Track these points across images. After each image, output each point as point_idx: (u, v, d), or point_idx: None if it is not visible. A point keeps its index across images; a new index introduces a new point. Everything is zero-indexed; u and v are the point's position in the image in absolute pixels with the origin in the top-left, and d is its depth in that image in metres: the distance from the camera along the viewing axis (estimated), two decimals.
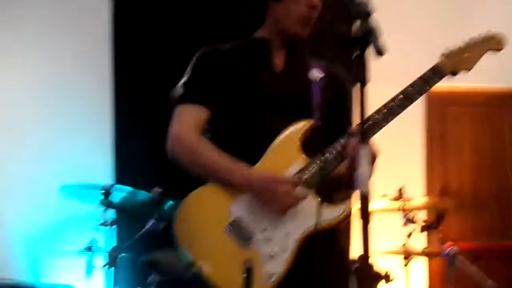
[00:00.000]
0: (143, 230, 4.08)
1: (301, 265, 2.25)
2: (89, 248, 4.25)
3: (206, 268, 2.25)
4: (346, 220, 2.30)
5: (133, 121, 5.04)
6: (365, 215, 1.65)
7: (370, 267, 1.81)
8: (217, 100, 2.42)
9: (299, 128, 2.36)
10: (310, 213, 2.24)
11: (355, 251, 4.27)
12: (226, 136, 2.41)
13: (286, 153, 2.33)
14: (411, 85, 2.31)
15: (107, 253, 4.06)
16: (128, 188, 4.22)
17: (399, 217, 4.37)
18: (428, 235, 4.45)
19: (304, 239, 2.25)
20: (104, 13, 5.14)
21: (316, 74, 2.48)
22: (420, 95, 2.31)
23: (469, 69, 2.36)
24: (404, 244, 4.38)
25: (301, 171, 2.29)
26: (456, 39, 2.42)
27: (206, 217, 2.31)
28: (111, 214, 4.21)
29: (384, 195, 4.41)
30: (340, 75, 2.54)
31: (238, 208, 2.29)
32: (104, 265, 4.07)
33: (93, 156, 5.04)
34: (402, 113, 2.30)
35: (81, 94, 5.12)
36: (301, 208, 2.26)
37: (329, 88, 2.46)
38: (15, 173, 4.97)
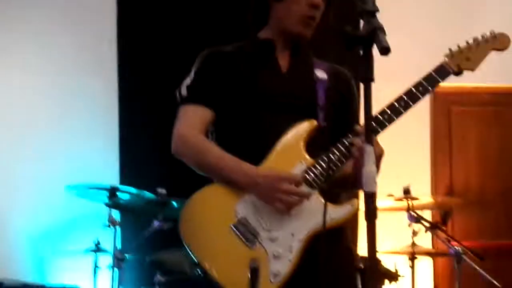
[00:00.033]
0: (149, 230, 4.09)
1: (307, 265, 2.24)
2: (94, 249, 4.27)
3: (212, 268, 2.24)
4: (351, 220, 2.30)
5: (139, 122, 5.05)
6: (371, 215, 1.64)
7: (377, 266, 1.80)
8: (221, 101, 2.41)
9: (303, 128, 2.35)
10: (315, 213, 2.23)
11: (361, 250, 4.27)
12: (231, 137, 2.41)
13: (290, 153, 2.33)
14: (415, 85, 2.30)
15: (113, 253, 4.07)
16: (134, 189, 4.23)
17: (405, 217, 4.36)
18: (434, 234, 4.43)
19: (309, 239, 2.25)
20: (110, 13, 5.15)
21: (320, 74, 2.48)
22: (424, 95, 2.30)
23: (473, 69, 2.36)
24: (410, 244, 4.37)
25: (305, 171, 2.29)
26: (457, 39, 2.42)
27: (211, 217, 2.31)
28: (116, 214, 4.22)
29: (390, 195, 4.40)
30: (345, 75, 2.54)
31: (243, 208, 2.29)
32: (110, 265, 4.08)
33: (99, 157, 5.05)
34: (408, 112, 2.29)
35: (87, 95, 5.13)
36: (306, 208, 2.26)
37: (333, 89, 2.46)
38: (21, 173, 4.98)
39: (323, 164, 2.28)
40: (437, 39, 3.45)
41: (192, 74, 2.48)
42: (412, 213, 4.33)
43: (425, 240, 4.69)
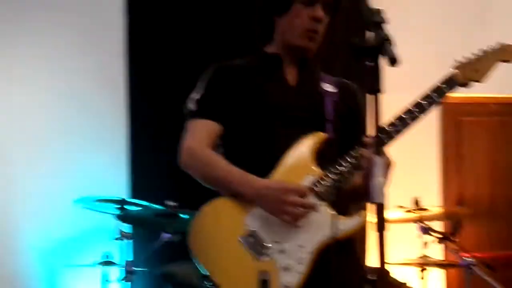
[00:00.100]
0: (158, 242, 4.09)
1: (317, 276, 2.24)
2: (105, 262, 4.27)
3: (221, 280, 2.24)
4: (361, 232, 2.29)
5: (148, 135, 5.06)
6: (381, 226, 1.64)
7: (387, 278, 1.80)
8: (229, 114, 2.42)
9: (312, 140, 2.36)
10: (324, 225, 2.23)
11: (371, 262, 4.26)
12: (239, 150, 2.42)
13: (299, 165, 2.33)
14: (423, 97, 2.30)
15: (123, 266, 4.07)
16: (143, 201, 4.23)
17: (415, 228, 4.35)
18: (445, 245, 4.42)
19: (318, 251, 2.24)
20: (119, 28, 5.17)
21: (328, 88, 2.49)
22: (432, 107, 2.30)
23: (481, 80, 2.35)
24: (420, 255, 4.36)
25: (314, 183, 2.29)
26: (469, 48, 2.42)
27: (220, 229, 2.31)
28: (126, 227, 4.22)
29: (400, 206, 4.39)
30: (352, 88, 2.55)
31: (252, 220, 2.29)
32: (120, 279, 4.08)
33: (109, 170, 5.06)
34: (416, 123, 2.29)
35: (97, 108, 5.15)
36: (315, 220, 2.26)
37: (341, 101, 2.47)
38: (32, 186, 4.99)
39: (331, 176, 2.28)
40: (450, 48, 3.44)
41: (199, 88, 2.49)
42: (422, 224, 4.32)
43: (435, 251, 4.67)
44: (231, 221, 2.30)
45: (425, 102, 2.29)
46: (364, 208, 2.26)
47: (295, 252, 2.24)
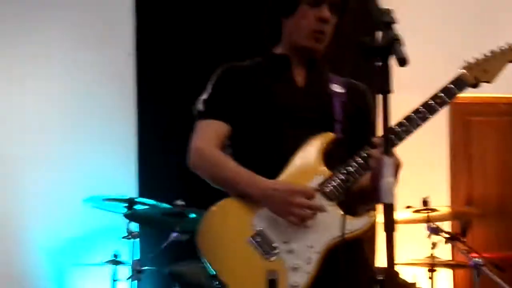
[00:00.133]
0: (167, 242, 4.09)
1: (326, 277, 2.23)
2: (113, 260, 4.28)
3: (229, 280, 2.24)
4: (369, 232, 2.29)
5: (157, 134, 5.07)
6: (390, 227, 1.63)
7: (396, 278, 1.79)
8: (238, 115, 2.42)
9: (320, 140, 2.36)
10: (333, 225, 2.23)
11: (380, 262, 4.26)
12: (248, 151, 2.42)
13: (308, 166, 2.33)
14: (432, 97, 2.30)
15: (131, 265, 4.08)
16: (152, 201, 4.24)
17: (423, 228, 4.34)
18: (454, 245, 4.41)
19: (327, 251, 2.24)
20: (128, 27, 5.18)
21: (336, 88, 2.48)
22: (441, 107, 2.30)
23: (490, 81, 2.35)
24: (429, 255, 4.35)
25: (323, 183, 2.29)
26: (478, 48, 2.41)
27: (229, 229, 2.31)
28: (134, 226, 4.23)
29: (409, 206, 4.38)
30: (361, 89, 2.55)
31: (260, 220, 2.28)
32: (128, 277, 4.09)
33: (117, 169, 5.07)
34: (426, 123, 2.28)
35: (106, 108, 5.16)
36: (323, 220, 2.25)
37: (350, 102, 2.46)
38: (41, 185, 5.01)
39: (340, 176, 2.28)
40: (460, 48, 3.43)
41: (208, 89, 2.49)
42: (431, 225, 4.31)
43: (444, 251, 4.66)
44: (239, 221, 2.30)
45: (434, 103, 2.28)
46: (373, 209, 2.26)
47: (303, 252, 2.24)
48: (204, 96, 2.48)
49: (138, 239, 4.22)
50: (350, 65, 2.38)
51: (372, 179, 2.25)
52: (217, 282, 2.26)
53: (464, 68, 2.35)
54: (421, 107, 2.29)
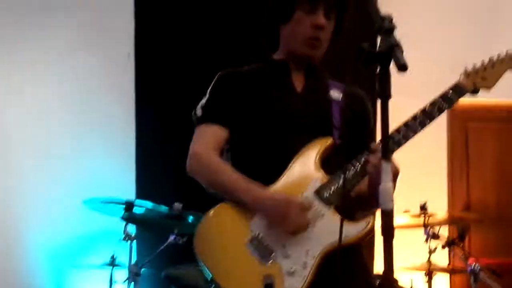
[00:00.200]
0: (164, 245, 4.09)
1: (323, 281, 2.23)
2: (110, 263, 4.27)
3: (226, 284, 2.24)
4: (368, 237, 2.29)
5: (156, 136, 5.07)
6: (388, 232, 1.63)
7: (394, 283, 1.79)
8: (236, 120, 2.42)
9: (318, 145, 2.36)
10: (330, 230, 2.23)
11: (378, 267, 4.25)
12: (246, 156, 2.42)
13: (305, 171, 2.33)
14: (431, 103, 2.30)
15: (128, 268, 4.07)
16: (150, 203, 4.24)
17: (421, 233, 4.34)
18: (451, 251, 4.41)
19: (324, 256, 2.24)
20: (128, 31, 5.18)
21: (335, 94, 2.48)
22: (440, 114, 2.30)
23: (489, 88, 2.36)
24: (426, 260, 4.35)
25: (321, 188, 2.29)
26: (479, 54, 2.42)
27: (226, 233, 2.31)
28: (132, 228, 4.22)
29: (407, 211, 4.38)
30: (360, 95, 2.56)
31: (257, 225, 2.28)
32: (125, 280, 4.08)
33: (116, 171, 5.07)
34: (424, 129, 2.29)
35: (105, 110, 5.16)
36: (320, 225, 2.25)
37: (348, 108, 2.47)
38: (40, 187, 5.00)
39: (337, 181, 2.28)
40: (460, 54, 3.43)
41: (207, 94, 2.50)
42: (429, 230, 4.31)
43: (441, 256, 4.66)
44: (237, 225, 2.30)
45: (433, 109, 2.29)
46: (371, 214, 2.26)
47: (300, 257, 2.24)
48: (203, 101, 2.48)
49: (135, 241, 4.21)
50: (349, 71, 2.37)
51: (370, 185, 2.25)
52: (214, 286, 2.26)
53: (463, 74, 2.35)
54: (420, 113, 2.29)
